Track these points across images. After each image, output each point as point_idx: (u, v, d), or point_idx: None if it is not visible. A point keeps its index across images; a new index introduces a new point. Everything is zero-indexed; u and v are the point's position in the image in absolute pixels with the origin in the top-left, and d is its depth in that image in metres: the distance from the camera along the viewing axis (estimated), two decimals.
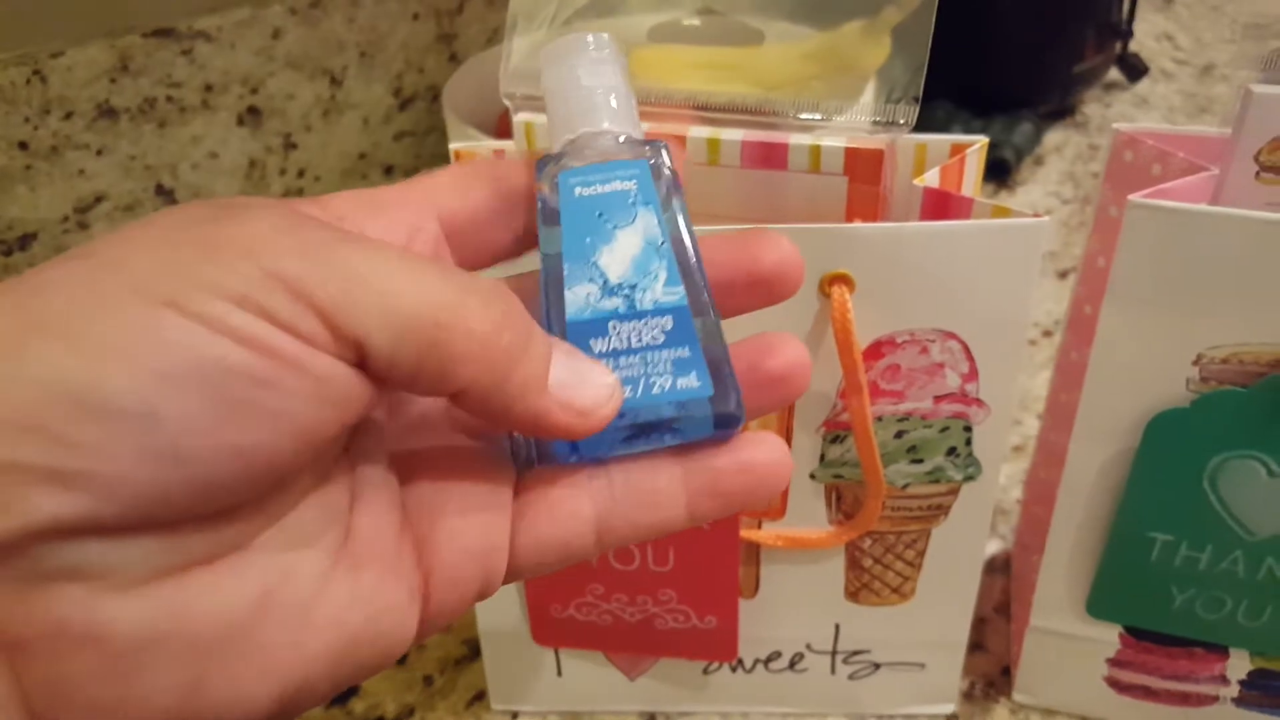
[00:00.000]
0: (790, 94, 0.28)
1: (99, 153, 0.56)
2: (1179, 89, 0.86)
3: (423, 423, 0.22)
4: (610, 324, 0.20)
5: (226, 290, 0.16)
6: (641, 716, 0.40)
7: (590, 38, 0.22)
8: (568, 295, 0.21)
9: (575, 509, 0.20)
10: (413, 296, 0.17)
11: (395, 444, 0.21)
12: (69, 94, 0.53)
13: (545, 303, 0.21)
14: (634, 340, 0.20)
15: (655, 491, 0.20)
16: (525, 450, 0.21)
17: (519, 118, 0.31)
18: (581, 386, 0.19)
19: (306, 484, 0.18)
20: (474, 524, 0.20)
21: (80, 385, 0.15)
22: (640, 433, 0.20)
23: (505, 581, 0.20)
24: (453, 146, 0.33)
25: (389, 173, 0.69)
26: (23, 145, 0.53)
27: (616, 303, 0.21)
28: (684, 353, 0.20)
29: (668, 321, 0.20)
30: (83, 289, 0.15)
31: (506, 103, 0.31)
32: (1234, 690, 0.37)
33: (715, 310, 0.21)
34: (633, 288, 0.21)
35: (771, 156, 0.29)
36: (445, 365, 0.17)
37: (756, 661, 0.39)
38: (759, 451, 0.21)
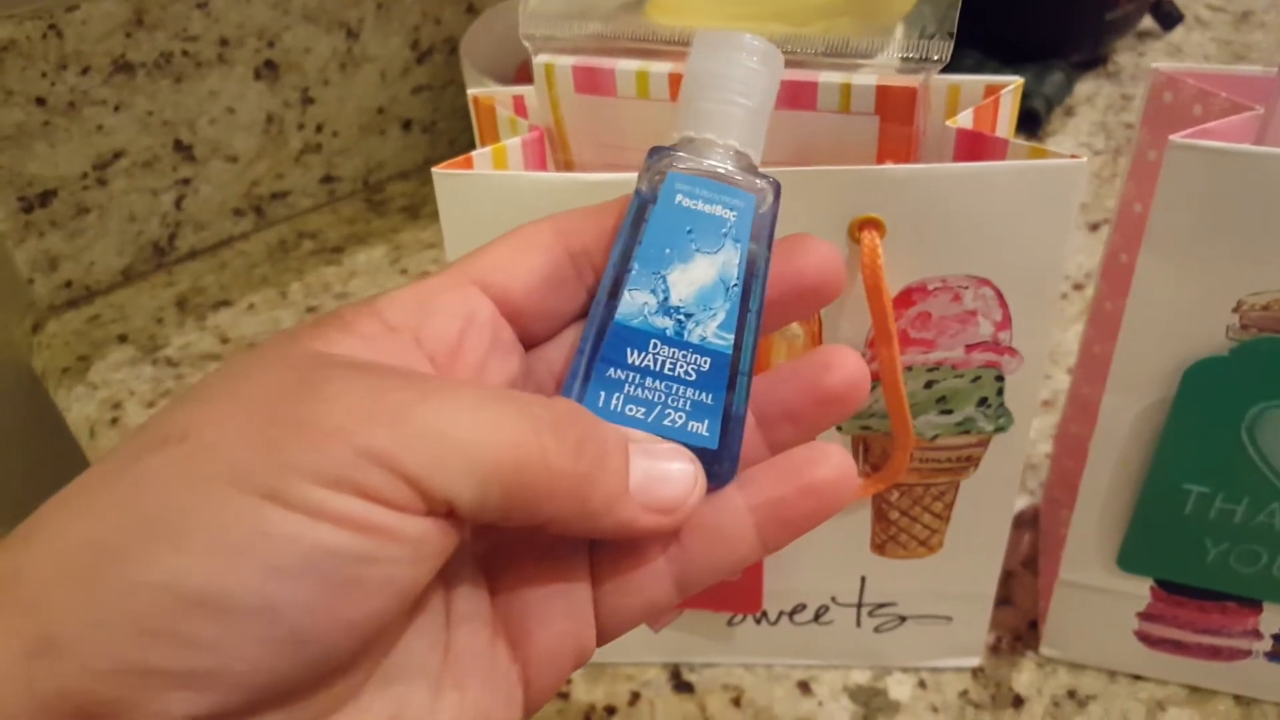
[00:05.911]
0: (820, 31, 0.27)
1: (116, 108, 0.55)
2: (1214, 36, 0.84)
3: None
4: (653, 341, 0.20)
5: (323, 475, 0.16)
6: (665, 668, 0.40)
7: (757, 42, 0.21)
8: (625, 295, 0.21)
9: (651, 569, 0.21)
10: (493, 445, 0.17)
11: (474, 546, 0.21)
12: (85, 49, 0.53)
13: (603, 287, 0.21)
14: (668, 367, 0.20)
15: (723, 531, 0.21)
16: None
17: (539, 59, 0.30)
18: (661, 482, 0.19)
19: (404, 621, 0.19)
20: (560, 608, 0.20)
21: (199, 587, 0.15)
22: None
23: (599, 646, 0.21)
24: (471, 93, 0.32)
25: (407, 127, 0.68)
26: (40, 101, 0.53)
27: (668, 323, 0.20)
28: (708, 399, 0.20)
29: (706, 362, 0.20)
30: (180, 481, 0.16)
31: (526, 44, 0.30)
32: (1267, 644, 0.36)
33: (752, 371, 0.21)
34: (688, 316, 0.21)
35: (800, 96, 0.28)
36: (530, 503, 0.18)
37: (781, 614, 0.38)
38: (820, 471, 0.21)
